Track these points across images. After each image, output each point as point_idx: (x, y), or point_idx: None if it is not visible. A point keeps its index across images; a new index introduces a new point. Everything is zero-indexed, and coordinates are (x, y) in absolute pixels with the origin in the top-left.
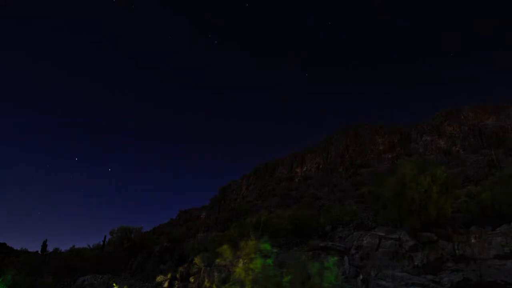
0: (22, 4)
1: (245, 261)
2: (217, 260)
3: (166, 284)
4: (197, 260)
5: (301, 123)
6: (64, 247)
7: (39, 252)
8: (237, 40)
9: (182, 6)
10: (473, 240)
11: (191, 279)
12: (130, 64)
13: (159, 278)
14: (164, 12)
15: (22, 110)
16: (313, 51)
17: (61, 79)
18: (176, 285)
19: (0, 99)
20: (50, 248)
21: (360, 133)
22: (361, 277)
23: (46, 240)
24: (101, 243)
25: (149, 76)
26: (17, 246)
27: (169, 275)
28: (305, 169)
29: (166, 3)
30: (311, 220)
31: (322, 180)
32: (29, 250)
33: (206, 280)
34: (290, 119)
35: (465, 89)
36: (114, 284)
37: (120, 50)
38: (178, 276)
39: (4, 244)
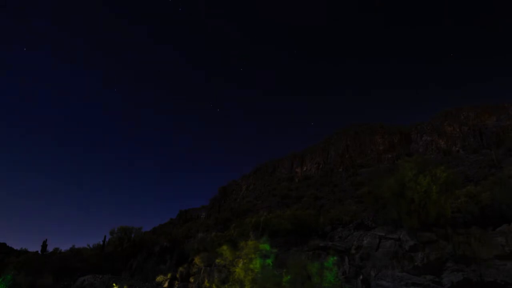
0: None
1: (245, 261)
2: (217, 260)
3: (166, 284)
4: (197, 260)
5: (301, 123)
6: (64, 247)
7: (39, 252)
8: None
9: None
10: (473, 240)
11: (191, 279)
12: (128, 64)
13: (159, 278)
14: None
15: (21, 109)
16: (314, 51)
17: (60, 78)
18: (176, 285)
19: None
20: (50, 248)
21: (360, 133)
22: (361, 277)
23: (46, 240)
24: (101, 243)
25: (149, 76)
26: (17, 246)
27: (169, 275)
28: (305, 169)
29: None
30: (311, 220)
31: (322, 180)
32: (29, 250)
33: (206, 280)
34: (290, 119)
35: (466, 89)
36: (114, 284)
37: (120, 50)
38: (178, 276)
39: (4, 244)
